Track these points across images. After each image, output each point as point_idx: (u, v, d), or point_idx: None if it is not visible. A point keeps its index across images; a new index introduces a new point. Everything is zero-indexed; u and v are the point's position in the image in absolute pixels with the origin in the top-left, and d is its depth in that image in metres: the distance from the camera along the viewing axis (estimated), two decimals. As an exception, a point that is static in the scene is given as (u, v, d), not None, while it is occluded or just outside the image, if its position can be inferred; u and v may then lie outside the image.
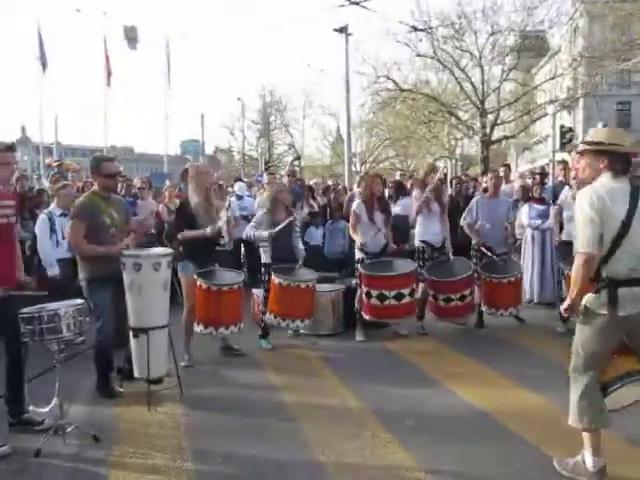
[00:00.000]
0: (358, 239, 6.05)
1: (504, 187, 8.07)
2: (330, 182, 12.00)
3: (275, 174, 12.38)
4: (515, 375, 4.88)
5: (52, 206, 6.31)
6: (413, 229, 6.69)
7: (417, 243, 6.45)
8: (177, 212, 5.68)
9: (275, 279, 5.63)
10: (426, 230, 6.39)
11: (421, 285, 6.26)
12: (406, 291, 5.78)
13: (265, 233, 5.79)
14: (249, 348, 5.79)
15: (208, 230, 5.23)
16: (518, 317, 6.63)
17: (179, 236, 5.42)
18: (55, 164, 9.79)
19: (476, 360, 5.36)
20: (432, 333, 6.33)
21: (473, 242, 6.52)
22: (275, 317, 5.71)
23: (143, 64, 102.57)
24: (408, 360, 5.46)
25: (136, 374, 4.49)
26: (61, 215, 6.07)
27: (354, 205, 6.26)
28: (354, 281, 6.63)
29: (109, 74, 23.75)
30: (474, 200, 6.74)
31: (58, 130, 28.87)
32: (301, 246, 6.06)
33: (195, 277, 5.18)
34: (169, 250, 4.76)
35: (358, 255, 6.05)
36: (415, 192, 6.82)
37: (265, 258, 5.90)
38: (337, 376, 5.03)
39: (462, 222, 6.61)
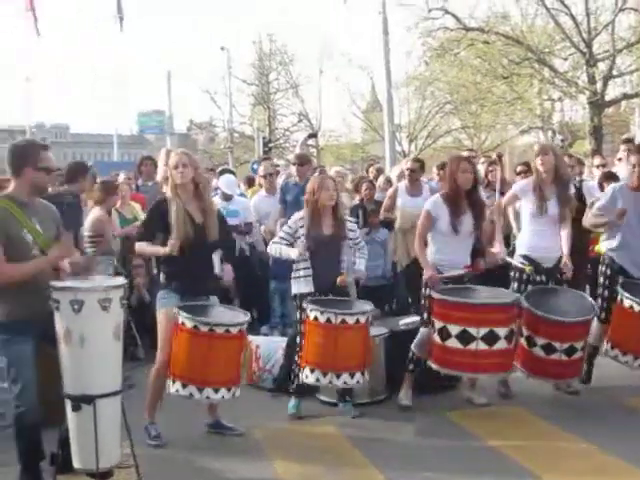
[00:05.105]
0: (427, 261, 6.01)
1: (620, 170, 7.99)
2: (373, 171, 11.44)
3: (270, 158, 12.09)
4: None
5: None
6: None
7: (515, 260, 6.29)
8: (150, 212, 5.88)
9: (310, 313, 5.71)
10: (533, 241, 6.29)
11: None
12: (502, 331, 5.63)
13: (294, 252, 5.86)
14: (246, 424, 5.79)
15: (167, 249, 5.38)
16: None
17: (136, 247, 5.66)
18: None
19: (592, 441, 5.29)
20: (520, 396, 6.28)
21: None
22: (312, 371, 5.72)
23: (84, 5, 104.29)
24: (486, 441, 5.44)
25: (76, 464, 4.49)
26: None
27: (428, 203, 6.24)
28: (403, 322, 6.62)
29: (35, 19, 24.09)
30: (611, 188, 6.56)
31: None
32: (360, 266, 6.16)
33: (176, 311, 5.27)
34: (121, 279, 4.79)
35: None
36: (517, 187, 6.50)
37: (298, 287, 6.00)
38: (378, 466, 5.01)
39: (588, 219, 6.51)
